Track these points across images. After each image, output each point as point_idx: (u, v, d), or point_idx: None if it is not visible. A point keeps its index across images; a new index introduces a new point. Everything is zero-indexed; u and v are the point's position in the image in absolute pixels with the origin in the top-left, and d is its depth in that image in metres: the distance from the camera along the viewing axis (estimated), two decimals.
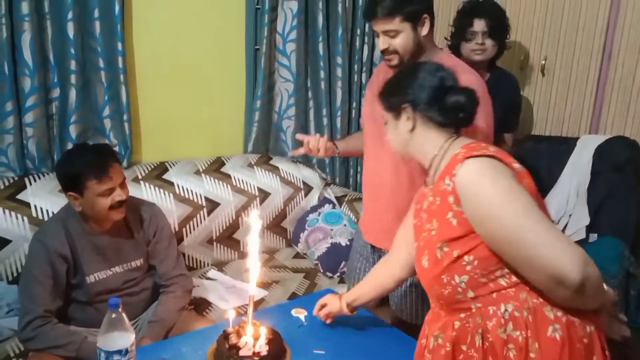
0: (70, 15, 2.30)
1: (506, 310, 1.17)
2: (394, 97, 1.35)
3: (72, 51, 2.34)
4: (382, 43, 1.73)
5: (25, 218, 2.18)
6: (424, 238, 1.31)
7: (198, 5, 2.69)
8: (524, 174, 1.21)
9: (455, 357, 1.24)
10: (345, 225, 2.75)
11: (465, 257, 1.19)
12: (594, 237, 2.30)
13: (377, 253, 1.96)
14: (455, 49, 2.32)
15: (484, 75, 2.31)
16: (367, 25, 3.24)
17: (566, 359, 1.13)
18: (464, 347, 1.22)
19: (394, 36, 1.70)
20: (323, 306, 1.72)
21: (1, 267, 2.13)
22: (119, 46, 2.43)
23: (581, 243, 2.31)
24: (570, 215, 2.36)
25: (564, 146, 2.46)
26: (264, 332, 1.55)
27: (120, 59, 2.45)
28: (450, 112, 1.29)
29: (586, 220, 2.31)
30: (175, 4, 2.63)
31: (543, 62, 2.62)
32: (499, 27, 2.24)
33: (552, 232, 1.09)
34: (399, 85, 1.36)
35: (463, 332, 1.22)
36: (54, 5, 2.27)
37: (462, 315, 1.23)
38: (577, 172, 2.37)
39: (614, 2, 2.38)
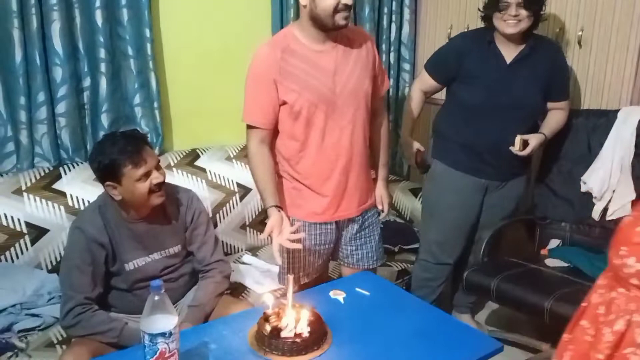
0: (97, 3, 2.29)
1: None
2: None
3: (101, 39, 2.34)
4: None
5: (62, 207, 2.21)
6: None
7: None
8: None
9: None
10: None
11: None
12: None
13: (344, 226, 2.00)
14: (487, 21, 2.26)
15: (518, 47, 2.24)
16: (394, 4, 3.18)
17: None
18: (601, 319, 1.15)
19: None
20: None
21: (40, 256, 2.16)
22: (147, 33, 2.42)
23: None
24: (614, 190, 2.28)
25: (604, 119, 2.37)
26: (305, 313, 1.53)
27: (148, 46, 2.44)
28: None
29: (632, 195, 2.23)
30: None
31: (580, 33, 2.52)
32: None
33: None
34: None
35: (610, 306, 1.15)
36: None
37: (621, 290, 1.15)
38: (619, 145, 2.28)
39: None
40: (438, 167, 2.44)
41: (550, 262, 2.33)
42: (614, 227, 2.20)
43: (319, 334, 1.53)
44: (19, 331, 1.91)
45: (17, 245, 2.12)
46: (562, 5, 2.57)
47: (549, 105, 2.33)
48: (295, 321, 1.52)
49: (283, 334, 1.50)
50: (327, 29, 1.77)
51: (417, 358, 1.51)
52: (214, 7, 2.66)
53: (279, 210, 1.79)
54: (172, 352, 1.30)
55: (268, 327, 1.52)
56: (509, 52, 2.25)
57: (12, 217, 2.12)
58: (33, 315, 1.97)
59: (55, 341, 1.90)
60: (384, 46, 3.21)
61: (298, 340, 1.49)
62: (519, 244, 2.63)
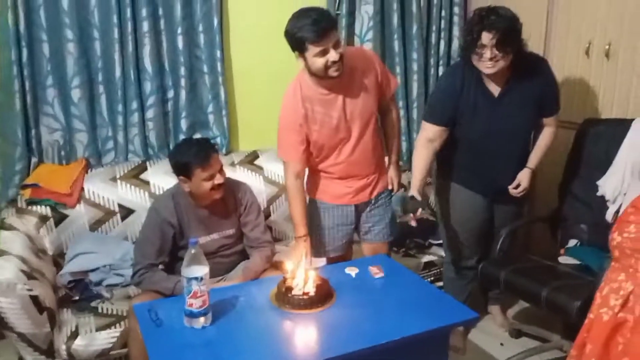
0: (179, 30, 2.84)
1: None
2: None
3: (182, 59, 2.88)
4: (335, 55, 2.01)
5: (146, 193, 2.76)
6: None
7: (284, 14, 3.11)
8: None
9: None
10: None
11: None
12: None
13: (359, 211, 2.38)
14: (467, 60, 2.26)
15: (504, 77, 2.28)
16: (443, 22, 3.44)
17: None
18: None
19: (338, 46, 2.02)
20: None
21: (128, 230, 2.72)
22: (218, 54, 2.93)
23: None
24: (625, 194, 2.42)
25: (621, 127, 2.49)
26: (312, 275, 1.91)
27: (219, 65, 2.95)
28: None
29: None
30: (264, 15, 3.08)
31: (607, 46, 2.67)
32: (509, 37, 2.12)
33: None
34: None
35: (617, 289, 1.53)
36: (167, 22, 2.83)
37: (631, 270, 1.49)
38: (632, 151, 2.42)
39: None
40: (442, 182, 2.61)
41: (564, 259, 2.49)
42: None
43: (323, 294, 1.90)
44: (107, 285, 2.46)
45: (110, 221, 2.70)
46: (591, 20, 2.73)
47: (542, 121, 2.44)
48: (304, 282, 1.90)
49: (294, 292, 1.88)
50: (324, 79, 2.11)
51: (403, 321, 1.79)
52: (275, 33, 3.06)
53: (305, 240, 2.28)
54: (203, 293, 1.72)
55: (284, 287, 1.92)
56: (496, 85, 2.32)
57: (108, 199, 2.70)
58: (118, 274, 2.51)
59: (132, 295, 2.42)
60: (432, 60, 3.49)
61: (305, 297, 1.86)
62: (542, 245, 2.79)
